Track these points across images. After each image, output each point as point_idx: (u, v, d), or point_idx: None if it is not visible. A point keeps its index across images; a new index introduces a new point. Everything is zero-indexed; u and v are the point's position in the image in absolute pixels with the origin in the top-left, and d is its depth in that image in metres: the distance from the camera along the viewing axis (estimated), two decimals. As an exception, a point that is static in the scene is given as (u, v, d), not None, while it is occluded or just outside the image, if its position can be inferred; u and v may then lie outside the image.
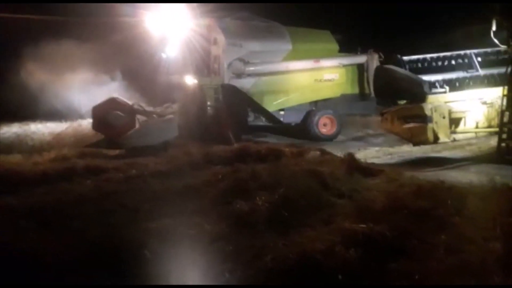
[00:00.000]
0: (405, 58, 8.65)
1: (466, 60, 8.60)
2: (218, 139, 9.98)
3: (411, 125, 7.86)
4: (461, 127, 7.99)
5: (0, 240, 4.08)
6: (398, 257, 3.65)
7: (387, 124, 8.47)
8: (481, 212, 4.39)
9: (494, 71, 8.26)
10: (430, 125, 7.61)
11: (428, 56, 8.71)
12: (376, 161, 8.17)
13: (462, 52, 8.65)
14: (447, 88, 7.96)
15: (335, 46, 12.24)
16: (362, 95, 12.32)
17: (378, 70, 8.69)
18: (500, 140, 7.23)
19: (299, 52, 11.72)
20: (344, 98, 12.18)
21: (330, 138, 11.57)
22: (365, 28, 16.80)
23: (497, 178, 5.57)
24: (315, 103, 12.02)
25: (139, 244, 4.08)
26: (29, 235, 4.17)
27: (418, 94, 7.79)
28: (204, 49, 11.47)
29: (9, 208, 5.24)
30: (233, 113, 10.89)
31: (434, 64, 8.70)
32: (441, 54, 8.69)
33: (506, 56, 7.81)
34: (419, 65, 8.60)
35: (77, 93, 12.45)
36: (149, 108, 10.81)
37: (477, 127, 8.04)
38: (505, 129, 6.86)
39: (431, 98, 7.76)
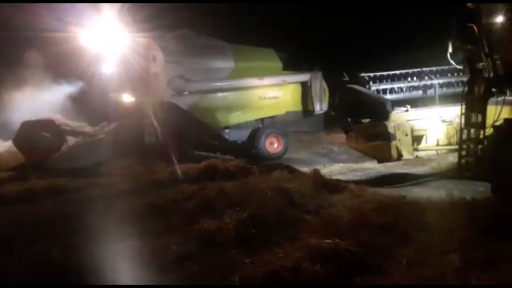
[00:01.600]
0: (366, 75, 8.88)
1: (425, 78, 8.95)
2: (157, 158, 9.71)
3: (375, 142, 8.03)
4: (423, 144, 8.24)
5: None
6: (363, 272, 3.74)
7: (351, 141, 8.65)
8: (440, 226, 4.57)
9: (451, 90, 8.65)
10: (393, 143, 7.80)
11: (388, 73, 8.98)
12: (341, 177, 8.34)
13: (421, 70, 8.98)
14: (409, 106, 8.25)
15: (278, 64, 12.28)
16: (306, 112, 12.34)
17: (342, 89, 8.91)
18: (460, 157, 7.49)
19: (242, 70, 11.65)
20: (290, 115, 12.20)
21: (276, 157, 11.47)
22: (314, 47, 17.25)
23: (456, 192, 5.81)
24: (262, 121, 12.00)
25: (102, 265, 3.99)
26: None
27: (381, 112, 8.01)
28: (142, 67, 11.13)
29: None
30: (174, 131, 10.55)
31: (394, 81, 8.98)
32: (401, 72, 8.99)
33: (461, 76, 8.19)
34: (380, 82, 8.86)
35: (14, 111, 11.93)
36: (86, 127, 10.59)
37: (437, 144, 8.32)
38: (464, 147, 7.17)
39: (393, 116, 7.99)
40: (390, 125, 7.79)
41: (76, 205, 6.23)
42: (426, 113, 8.28)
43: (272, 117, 12.06)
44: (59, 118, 10.41)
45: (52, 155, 9.27)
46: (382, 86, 8.86)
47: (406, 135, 7.90)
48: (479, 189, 6.26)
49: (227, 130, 11.41)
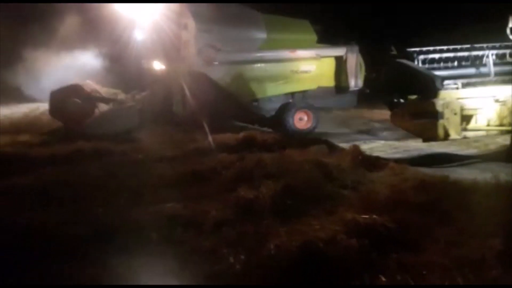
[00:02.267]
0: (416, 50, 8.47)
1: (480, 56, 8.47)
2: (187, 127, 9.68)
3: (421, 120, 7.75)
4: (472, 125, 7.89)
5: (11, 216, 4.18)
6: (400, 249, 3.71)
7: (397, 118, 8.40)
8: (484, 208, 4.42)
9: (508, 68, 8.15)
10: (441, 122, 7.48)
11: (440, 48, 8.52)
12: (381, 154, 8.17)
13: (476, 46, 8.48)
14: (460, 84, 7.86)
15: (313, 37, 11.77)
16: (340, 89, 11.85)
17: (389, 63, 8.60)
18: None
19: (274, 41, 11.26)
20: (322, 91, 11.72)
21: (305, 132, 11.03)
22: (354, 20, 16.55)
23: (503, 175, 5.57)
24: (292, 95, 11.59)
25: (144, 225, 4.18)
26: (38, 212, 4.26)
27: (430, 89, 7.67)
28: (174, 34, 11.01)
29: (20, 187, 5.34)
30: (203, 101, 10.34)
31: (446, 58, 8.53)
32: (454, 47, 8.50)
33: None
34: (431, 59, 8.43)
35: (52, 74, 12.20)
36: (120, 95, 10.66)
37: (488, 125, 7.94)
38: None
39: (443, 94, 7.61)
40: (439, 103, 7.47)
41: (121, 167, 6.47)
42: (478, 91, 7.87)
43: (303, 92, 11.67)
44: (89, 84, 10.51)
45: (85, 121, 9.48)
46: (432, 64, 8.40)
47: (455, 114, 7.56)
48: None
49: (255, 103, 11.21)
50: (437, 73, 8.06)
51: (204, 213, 4.55)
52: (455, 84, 7.88)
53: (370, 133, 11.08)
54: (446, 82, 7.86)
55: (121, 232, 3.92)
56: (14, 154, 7.31)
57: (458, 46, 8.51)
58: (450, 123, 7.56)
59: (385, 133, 10.69)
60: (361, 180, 5.86)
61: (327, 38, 12.27)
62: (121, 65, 12.60)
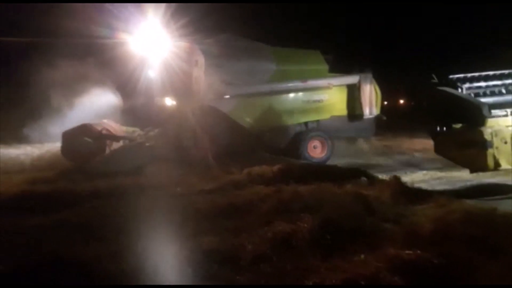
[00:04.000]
0: (458, 76, 8.22)
1: None
2: (197, 163, 9.54)
3: (468, 150, 7.42)
4: None
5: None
6: (447, 286, 3.51)
7: (441, 148, 8.11)
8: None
9: None
10: (490, 151, 7.10)
11: (483, 74, 8.23)
12: (424, 185, 7.90)
13: None
14: (509, 111, 7.52)
15: (324, 66, 11.88)
16: (354, 116, 11.82)
17: (431, 92, 8.40)
18: None
19: (284, 72, 11.41)
20: (336, 119, 11.73)
21: (320, 162, 10.94)
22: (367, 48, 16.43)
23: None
24: (305, 124, 11.59)
25: (183, 259, 4.17)
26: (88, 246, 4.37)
27: (477, 117, 7.37)
28: (185, 71, 11.31)
29: (62, 223, 5.52)
30: (214, 135, 10.42)
31: (492, 85, 8.22)
32: (500, 73, 8.19)
33: None
34: (474, 84, 8.14)
35: (67, 116, 12.50)
36: (136, 132, 10.80)
37: None
38: None
39: (491, 122, 7.29)
40: (487, 131, 7.13)
41: (159, 202, 6.56)
42: None
43: (317, 121, 11.69)
44: (103, 123, 10.71)
45: (96, 159, 9.56)
46: (477, 90, 8.10)
47: (506, 142, 7.18)
48: None
49: (268, 134, 11.23)
50: (483, 100, 7.77)
51: (241, 248, 4.50)
52: (504, 111, 7.55)
53: (410, 163, 10.78)
54: (493, 109, 7.57)
55: (160, 267, 3.92)
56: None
57: (503, 72, 8.20)
58: (500, 152, 7.18)
59: (426, 164, 10.35)
60: (403, 213, 5.65)
61: (343, 66, 12.34)
62: (137, 103, 12.89)
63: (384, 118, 12.33)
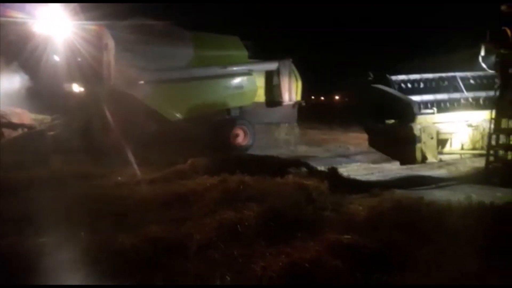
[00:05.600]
0: (394, 77, 8.80)
1: (453, 83, 8.85)
2: (106, 152, 9.00)
3: (399, 144, 7.98)
4: (447, 148, 8.17)
5: None
6: (382, 269, 3.82)
7: (375, 142, 8.63)
8: (459, 228, 4.60)
9: (479, 94, 8.57)
10: (418, 145, 7.71)
11: (416, 76, 8.88)
12: (358, 177, 8.39)
13: (449, 75, 8.87)
14: (435, 109, 8.15)
15: (243, 52, 11.71)
16: (275, 103, 11.82)
17: (367, 89, 8.89)
18: (488, 163, 7.42)
19: (203, 58, 11.08)
20: (258, 106, 11.66)
21: (242, 149, 10.80)
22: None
23: (474, 197, 5.82)
24: (228, 112, 11.39)
25: (129, 248, 4.14)
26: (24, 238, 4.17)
27: (407, 114, 7.92)
28: (94, 56, 10.78)
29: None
30: (126, 123, 9.82)
31: (422, 85, 8.89)
32: (429, 75, 8.89)
33: (491, 81, 8.11)
34: (408, 85, 8.76)
35: None
36: (46, 120, 10.35)
37: (462, 148, 8.25)
38: (492, 152, 7.11)
39: (420, 119, 7.87)
40: (416, 127, 7.71)
41: (101, 191, 6.40)
42: (453, 116, 8.20)
43: (239, 108, 11.52)
44: (4, 109, 10.09)
45: None
46: (409, 89, 8.72)
47: (432, 138, 7.81)
48: (497, 195, 6.29)
49: (186, 122, 10.81)
50: (414, 98, 8.38)
51: (188, 236, 4.55)
52: (431, 109, 8.18)
53: (346, 155, 11.33)
54: (422, 107, 8.19)
55: (106, 257, 3.87)
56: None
57: (433, 75, 8.92)
58: (427, 147, 7.80)
59: (360, 156, 10.95)
60: (341, 202, 5.99)
61: (262, 53, 12.26)
62: (45, 90, 12.11)
63: (303, 104, 12.37)
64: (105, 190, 6.53)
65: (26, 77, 12.74)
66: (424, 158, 7.79)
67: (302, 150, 11.90)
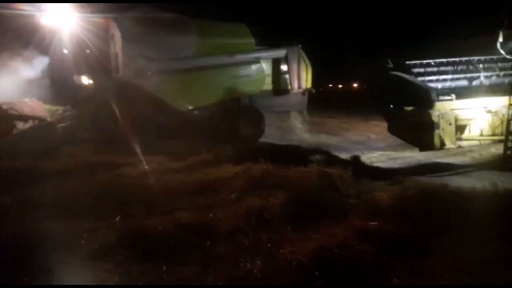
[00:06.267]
0: (412, 63, 8.81)
1: (471, 67, 8.83)
2: (117, 143, 8.95)
3: (418, 130, 8.07)
4: (466, 134, 8.23)
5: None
6: (408, 253, 3.90)
7: (393, 129, 8.71)
8: (485, 215, 4.63)
9: (499, 80, 8.52)
10: (437, 131, 7.87)
11: (434, 61, 8.89)
12: (380, 164, 8.42)
13: (468, 58, 8.85)
14: (454, 96, 8.17)
15: (251, 40, 11.53)
16: (283, 91, 11.64)
17: (385, 76, 8.92)
18: (506, 149, 7.47)
19: (210, 47, 10.98)
20: (267, 94, 11.49)
21: (253, 138, 10.61)
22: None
23: (499, 184, 5.82)
24: (237, 100, 11.25)
25: (162, 233, 4.31)
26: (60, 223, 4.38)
27: (426, 101, 7.98)
28: (101, 48, 10.86)
29: (31, 200, 5.46)
30: (137, 114, 9.83)
31: (440, 69, 8.90)
32: (447, 60, 8.88)
33: (510, 66, 8.08)
34: (427, 71, 8.79)
35: None
36: (56, 111, 10.47)
37: (481, 134, 8.28)
38: (511, 138, 7.12)
39: (438, 105, 7.96)
40: (435, 114, 7.82)
41: (128, 179, 6.60)
42: (471, 103, 8.21)
43: (248, 97, 11.43)
44: (17, 101, 10.28)
45: (2, 139, 9.09)
46: (428, 76, 8.75)
47: (450, 124, 7.91)
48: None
49: (196, 112, 10.86)
50: (432, 85, 8.38)
51: (217, 222, 4.70)
52: (450, 95, 8.20)
53: (367, 144, 11.33)
54: (440, 93, 8.19)
55: (141, 241, 4.05)
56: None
57: (451, 59, 8.87)
58: (445, 133, 7.89)
59: (381, 144, 10.94)
60: (364, 189, 6.06)
61: (271, 40, 12.05)
62: (56, 81, 12.30)
63: (313, 91, 12.20)
64: (132, 178, 6.70)
65: (38, 69, 12.91)
66: (442, 144, 7.91)
67: (323, 139, 11.93)
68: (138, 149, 8.35)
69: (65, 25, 11.54)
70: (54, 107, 11.34)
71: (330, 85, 38.13)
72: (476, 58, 8.74)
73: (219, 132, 10.42)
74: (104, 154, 8.34)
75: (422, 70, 8.71)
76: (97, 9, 11.26)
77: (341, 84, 37.78)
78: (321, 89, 33.83)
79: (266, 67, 11.61)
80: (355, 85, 36.87)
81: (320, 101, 13.40)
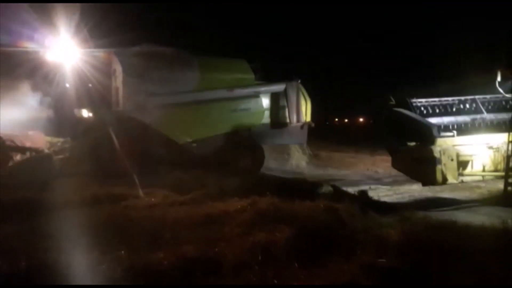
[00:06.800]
0: (414, 101, 9.01)
1: (473, 106, 8.98)
2: (112, 176, 8.98)
3: (420, 165, 8.14)
4: (468, 170, 8.28)
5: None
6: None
7: (397, 163, 8.77)
8: (497, 252, 4.54)
9: (500, 117, 8.62)
10: (438, 167, 7.91)
11: (436, 100, 9.09)
12: (387, 199, 8.36)
13: (469, 97, 9.03)
14: (455, 132, 8.29)
15: (250, 75, 11.79)
16: (281, 124, 11.81)
17: (389, 112, 9.07)
18: (507, 184, 7.48)
19: (210, 81, 11.22)
20: (266, 128, 11.69)
21: (251, 171, 10.71)
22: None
23: (509, 221, 5.73)
24: (237, 134, 11.35)
25: (165, 270, 4.25)
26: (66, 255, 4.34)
27: (427, 136, 8.11)
28: (103, 82, 11.13)
29: (35, 231, 5.44)
30: (136, 147, 9.88)
31: (442, 108, 9.07)
32: (449, 99, 9.09)
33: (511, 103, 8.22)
34: (428, 108, 8.97)
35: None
36: (57, 143, 10.58)
37: (483, 170, 8.33)
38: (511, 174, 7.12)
39: (439, 141, 8.08)
40: (436, 150, 7.94)
41: (134, 211, 6.58)
42: (473, 139, 8.31)
43: (248, 130, 11.58)
44: (8, 134, 10.39)
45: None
46: (429, 112, 8.91)
47: (452, 160, 8.00)
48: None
49: (194, 145, 10.96)
50: (434, 121, 8.50)
51: (222, 256, 4.64)
52: (451, 132, 8.31)
53: (374, 178, 11.28)
54: (442, 130, 8.30)
55: (146, 275, 3.99)
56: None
57: (455, 98, 9.06)
58: (447, 168, 7.99)
59: (388, 179, 10.88)
60: (372, 225, 5.98)
61: (270, 75, 12.39)
62: (59, 114, 12.45)
63: (313, 125, 12.32)
64: (138, 211, 6.68)
65: (41, 102, 13.09)
66: (444, 179, 7.96)
67: (329, 172, 11.90)
68: (137, 181, 8.34)
69: (68, 59, 11.85)
70: (55, 139, 11.46)
71: (336, 119, 38.38)
72: (477, 96, 8.94)
73: (218, 165, 10.45)
74: (105, 186, 8.33)
75: (423, 107, 8.90)
76: (100, 43, 11.59)
77: (347, 118, 38.00)
78: (327, 123, 34.18)
79: (265, 101, 11.86)
80: (361, 119, 37.10)
81: (326, 135, 13.43)
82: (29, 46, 12.02)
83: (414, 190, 9.20)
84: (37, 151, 10.34)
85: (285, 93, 11.79)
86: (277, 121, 11.88)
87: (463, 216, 6.80)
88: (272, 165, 11.96)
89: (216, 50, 12.77)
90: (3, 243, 4.98)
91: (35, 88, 12.96)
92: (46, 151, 10.54)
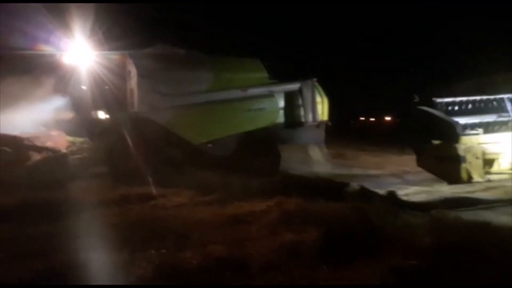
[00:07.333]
0: (440, 100, 8.92)
1: (500, 104, 8.80)
2: (130, 176, 8.99)
3: (445, 164, 8.06)
4: (495, 168, 8.10)
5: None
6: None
7: (422, 162, 8.72)
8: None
9: None
10: (463, 165, 7.80)
11: (462, 98, 8.97)
12: (416, 199, 8.21)
13: (497, 96, 8.87)
14: (481, 130, 8.10)
15: (264, 74, 11.69)
16: (297, 124, 11.67)
17: (413, 110, 9.00)
18: None
19: (224, 81, 11.18)
20: (283, 127, 11.56)
21: (268, 171, 10.03)
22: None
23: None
24: (251, 133, 11.21)
25: (194, 269, 4.29)
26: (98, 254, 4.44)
27: (451, 135, 7.99)
28: (119, 83, 11.26)
29: (66, 232, 5.58)
30: (151, 147, 9.92)
31: (468, 106, 8.94)
32: (476, 98, 8.95)
33: None
34: (454, 107, 8.87)
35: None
36: (80, 143, 10.76)
37: (511, 168, 8.12)
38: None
39: (464, 139, 7.95)
40: (460, 148, 7.80)
41: (162, 211, 6.67)
42: (499, 137, 8.11)
43: (263, 130, 11.42)
44: (27, 133, 10.60)
45: (15, 169, 9.26)
46: (454, 110, 8.77)
47: (477, 158, 7.84)
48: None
49: (209, 145, 10.98)
50: (460, 120, 8.34)
51: (249, 256, 4.65)
52: (477, 130, 8.12)
53: (402, 178, 11.08)
54: (467, 129, 8.13)
55: (176, 274, 4.04)
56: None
57: (482, 97, 8.88)
58: (472, 166, 7.86)
59: (416, 178, 10.66)
60: (401, 225, 5.86)
61: (285, 74, 12.28)
62: (79, 115, 12.79)
63: (329, 124, 12.21)
64: (166, 210, 6.78)
65: (60, 103, 13.41)
66: (470, 178, 7.84)
67: (355, 172, 11.75)
68: (158, 182, 8.44)
69: (83, 62, 12.13)
70: (77, 140, 11.74)
71: (362, 118, 37.85)
72: (505, 95, 8.74)
73: (234, 165, 10.40)
74: (129, 187, 8.42)
75: (448, 105, 8.77)
76: (114, 46, 11.80)
77: (373, 117, 37.43)
78: (352, 122, 33.74)
79: (280, 100, 11.75)
80: (387, 118, 36.45)
81: (352, 135, 13.26)
82: (45, 48, 12.37)
83: (444, 190, 8.97)
84: (53, 150, 10.57)
85: (300, 92, 11.70)
86: (293, 121, 11.79)
87: (493, 216, 6.59)
88: (294, 165, 11.90)
89: (221, 50, 12.69)
90: (37, 243, 5.13)
91: (55, 90, 13.33)
92: (63, 151, 10.80)
